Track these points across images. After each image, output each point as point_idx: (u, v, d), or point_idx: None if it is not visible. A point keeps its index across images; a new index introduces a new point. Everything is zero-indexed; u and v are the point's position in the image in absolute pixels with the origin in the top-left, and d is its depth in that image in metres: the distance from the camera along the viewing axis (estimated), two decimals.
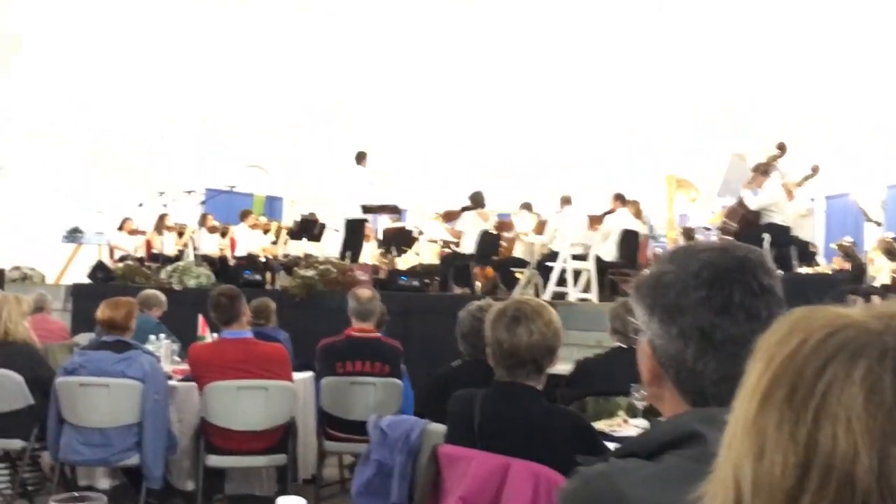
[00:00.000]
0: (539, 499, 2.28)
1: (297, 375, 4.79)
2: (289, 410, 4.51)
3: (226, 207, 12.12)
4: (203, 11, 11.36)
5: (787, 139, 7.88)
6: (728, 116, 11.11)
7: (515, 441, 2.39)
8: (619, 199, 9.29)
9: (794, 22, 10.49)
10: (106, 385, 4.23)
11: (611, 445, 2.59)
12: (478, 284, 9.39)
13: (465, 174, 12.76)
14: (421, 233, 11.45)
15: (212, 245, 11.51)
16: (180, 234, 11.84)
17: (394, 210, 10.49)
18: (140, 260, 10.91)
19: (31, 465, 4.84)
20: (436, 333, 6.47)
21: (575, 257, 8.45)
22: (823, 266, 9.50)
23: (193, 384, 4.55)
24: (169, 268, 9.20)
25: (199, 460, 4.44)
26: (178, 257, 10.75)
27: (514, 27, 11.62)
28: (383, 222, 12.18)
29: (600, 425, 3.08)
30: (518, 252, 9.98)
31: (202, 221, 10.98)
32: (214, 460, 4.44)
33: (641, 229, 9.43)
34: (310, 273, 7.84)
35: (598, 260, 8.63)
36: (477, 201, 9.67)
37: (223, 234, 11.98)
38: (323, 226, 11.00)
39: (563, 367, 3.54)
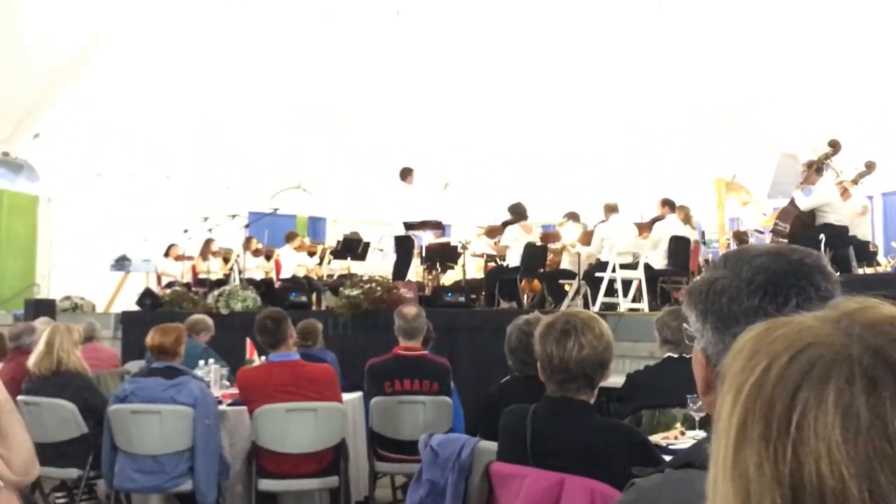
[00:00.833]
0: None
1: (345, 396, 4.78)
2: (339, 431, 4.48)
3: (270, 230, 12.23)
4: (203, 11, 11.54)
5: (838, 137, 7.65)
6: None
7: (568, 457, 2.33)
8: (668, 204, 9.08)
9: (795, 22, 10.38)
10: (157, 412, 4.27)
11: (668, 459, 2.50)
12: (525, 298, 9.27)
13: (500, 185, 12.76)
14: (465, 247, 11.39)
15: (257, 268, 11.62)
16: (226, 259, 11.97)
17: (437, 226, 10.44)
18: (187, 285, 11.03)
19: (87, 493, 4.89)
20: (484, 349, 6.42)
21: (624, 266, 8.30)
22: (885, 265, 9.19)
23: (243, 408, 4.56)
24: (215, 292, 9.29)
25: (251, 484, 4.43)
26: (224, 281, 10.85)
27: (526, 27, 11.69)
28: (427, 238, 12.16)
29: (656, 438, 3.01)
30: (565, 263, 9.84)
31: (246, 245, 11.09)
32: (267, 484, 4.43)
33: (692, 235, 9.21)
34: (355, 292, 7.84)
35: (648, 268, 8.47)
36: (518, 213, 9.55)
37: (267, 258, 12.07)
38: (367, 244, 11.03)
39: (615, 379, 3.45)
